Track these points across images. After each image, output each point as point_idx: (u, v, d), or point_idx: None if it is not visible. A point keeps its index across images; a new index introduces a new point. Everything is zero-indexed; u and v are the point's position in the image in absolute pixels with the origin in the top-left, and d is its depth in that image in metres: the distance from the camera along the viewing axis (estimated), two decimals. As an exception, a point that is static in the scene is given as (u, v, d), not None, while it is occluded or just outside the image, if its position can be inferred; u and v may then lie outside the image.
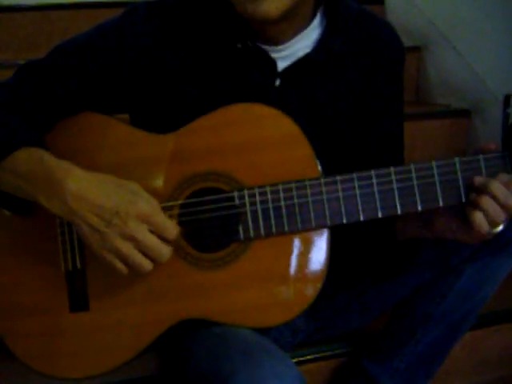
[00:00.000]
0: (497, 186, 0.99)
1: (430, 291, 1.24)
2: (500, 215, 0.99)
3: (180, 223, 1.04)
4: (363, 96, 1.15)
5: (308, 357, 1.40)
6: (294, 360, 1.37)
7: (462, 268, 1.20)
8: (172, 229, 0.99)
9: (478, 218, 0.99)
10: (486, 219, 0.99)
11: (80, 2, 2.49)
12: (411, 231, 1.14)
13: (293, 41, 1.10)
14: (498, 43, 2.13)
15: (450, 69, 2.35)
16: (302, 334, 1.33)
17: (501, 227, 1.00)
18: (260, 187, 1.03)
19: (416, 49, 2.44)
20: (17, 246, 1.10)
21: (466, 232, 1.03)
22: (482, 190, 1.00)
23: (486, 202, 0.99)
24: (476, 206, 1.00)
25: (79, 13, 2.41)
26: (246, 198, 1.03)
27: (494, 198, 0.99)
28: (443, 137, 2.26)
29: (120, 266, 0.98)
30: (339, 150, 1.16)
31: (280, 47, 1.10)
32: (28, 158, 1.01)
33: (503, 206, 0.99)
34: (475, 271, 1.20)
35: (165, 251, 0.98)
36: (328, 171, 1.07)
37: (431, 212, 1.06)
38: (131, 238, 0.96)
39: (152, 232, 0.97)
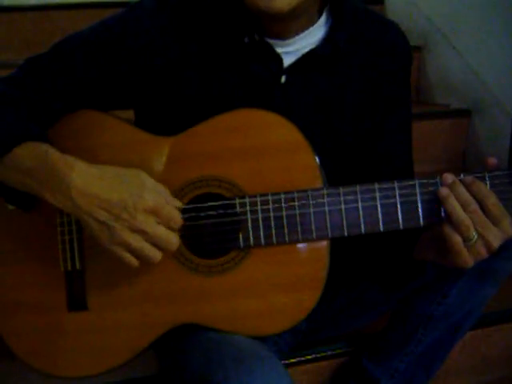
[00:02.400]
0: (459, 189, 0.99)
1: (430, 291, 1.24)
2: (466, 221, 0.97)
3: (180, 228, 1.03)
4: (369, 94, 1.15)
5: (308, 357, 1.40)
6: (294, 360, 1.37)
7: (462, 269, 1.20)
8: (177, 218, 0.99)
9: (451, 232, 0.98)
10: (455, 231, 0.98)
11: (80, 2, 2.49)
12: (425, 255, 1.13)
13: (298, 37, 1.09)
14: (497, 43, 2.13)
15: (450, 69, 2.35)
16: (301, 335, 1.33)
17: (474, 234, 0.97)
18: (262, 195, 1.03)
19: (416, 49, 2.44)
20: (17, 244, 1.10)
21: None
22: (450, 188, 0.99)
23: (450, 207, 0.98)
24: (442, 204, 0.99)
25: (79, 13, 2.41)
26: (248, 205, 1.03)
27: (458, 198, 0.98)
28: (443, 137, 2.27)
29: (130, 258, 0.98)
30: (345, 148, 1.15)
31: (286, 42, 1.09)
32: (31, 152, 1.01)
33: (466, 209, 0.98)
34: (476, 271, 1.19)
35: (174, 240, 0.99)
36: (334, 170, 1.06)
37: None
38: (140, 231, 0.96)
39: (159, 223, 0.98)
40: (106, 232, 0.97)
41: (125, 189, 0.97)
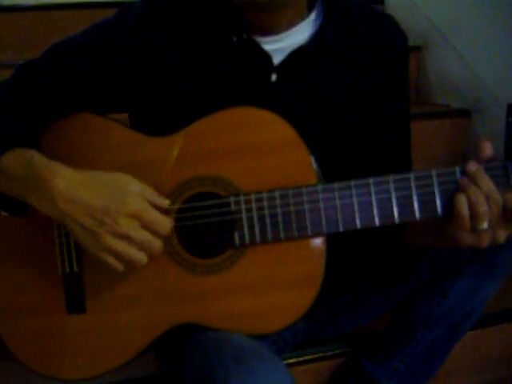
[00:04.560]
0: (483, 177, 0.97)
1: (430, 292, 1.24)
2: (482, 205, 0.95)
3: (176, 228, 1.03)
4: (363, 90, 1.13)
5: (308, 357, 1.40)
6: (294, 360, 1.37)
7: (462, 268, 1.20)
8: (166, 223, 0.99)
9: (460, 200, 0.96)
10: (469, 207, 0.96)
11: (80, 1, 2.49)
12: (417, 239, 1.13)
13: (288, 32, 1.09)
14: (497, 43, 2.13)
15: (450, 69, 2.35)
16: (301, 334, 1.33)
17: (485, 225, 0.96)
18: (256, 193, 1.02)
19: (416, 49, 2.44)
20: (15, 248, 1.10)
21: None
22: (471, 178, 0.98)
23: (472, 189, 0.96)
24: (462, 190, 0.97)
25: (79, 13, 2.41)
26: (242, 204, 1.03)
27: (480, 188, 0.96)
28: (443, 137, 2.26)
29: (115, 263, 0.98)
30: (340, 144, 1.15)
31: (275, 38, 1.09)
32: (18, 158, 1.01)
33: (487, 199, 0.96)
34: (476, 272, 1.20)
35: (157, 244, 0.99)
36: (330, 167, 1.06)
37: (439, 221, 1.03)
38: (124, 236, 0.96)
39: (143, 227, 0.97)
40: (91, 238, 0.97)
41: (107, 194, 0.97)
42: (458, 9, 2.31)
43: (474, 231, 0.97)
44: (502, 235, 0.98)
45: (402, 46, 1.16)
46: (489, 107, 2.19)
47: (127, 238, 0.97)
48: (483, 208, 0.96)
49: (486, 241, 0.99)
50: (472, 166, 0.98)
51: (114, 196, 0.97)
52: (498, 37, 2.12)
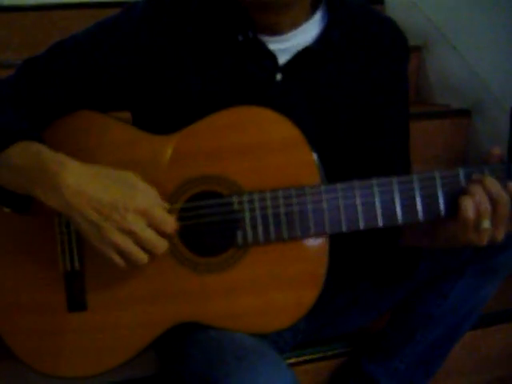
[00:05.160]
0: (490, 180, 0.98)
1: (430, 292, 1.24)
2: (486, 205, 0.97)
3: (179, 227, 1.04)
4: (366, 90, 1.14)
5: (308, 357, 1.40)
6: (294, 360, 1.37)
7: (463, 268, 1.20)
8: (170, 223, 0.99)
9: (467, 201, 0.97)
10: (473, 206, 0.97)
11: (80, 1, 2.49)
12: (411, 241, 1.13)
13: (292, 33, 1.09)
14: (497, 43, 2.13)
15: (450, 69, 2.35)
16: (301, 334, 1.33)
17: (487, 224, 0.98)
18: (260, 193, 1.02)
19: (416, 49, 2.44)
20: (16, 245, 1.10)
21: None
22: (479, 182, 0.99)
23: (476, 188, 0.97)
24: (467, 192, 0.99)
25: (79, 12, 2.41)
26: (246, 203, 1.03)
27: (484, 187, 0.98)
28: (443, 137, 2.26)
29: (118, 259, 0.98)
30: (343, 144, 1.15)
31: (280, 38, 1.09)
32: (24, 151, 1.01)
33: (491, 199, 0.97)
34: (476, 271, 1.20)
35: (161, 244, 0.99)
36: (333, 167, 1.06)
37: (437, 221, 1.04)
38: (129, 232, 0.96)
39: (149, 225, 0.98)
40: (96, 232, 0.97)
41: (117, 189, 0.97)
42: (458, 9, 2.31)
43: (477, 230, 0.98)
44: (501, 233, 0.99)
45: (403, 48, 1.18)
46: (489, 107, 2.19)
47: (132, 235, 0.97)
48: (485, 206, 0.97)
49: (486, 239, 0.99)
50: (476, 175, 0.99)
51: (124, 192, 0.97)
52: (498, 37, 2.12)
